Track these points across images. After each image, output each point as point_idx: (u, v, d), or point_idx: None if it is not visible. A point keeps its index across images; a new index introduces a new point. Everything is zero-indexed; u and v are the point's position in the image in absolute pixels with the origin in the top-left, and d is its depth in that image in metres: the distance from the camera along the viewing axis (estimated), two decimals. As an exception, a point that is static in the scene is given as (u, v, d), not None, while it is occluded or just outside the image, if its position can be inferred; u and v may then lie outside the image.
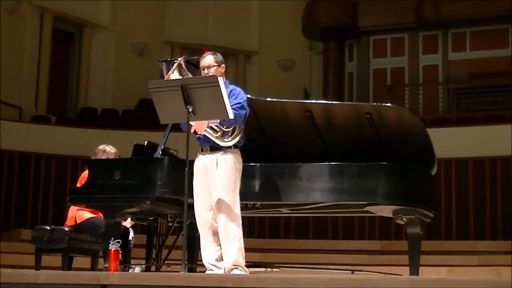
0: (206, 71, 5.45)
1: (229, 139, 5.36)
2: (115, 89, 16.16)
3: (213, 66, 5.46)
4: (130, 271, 6.10)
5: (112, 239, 5.55)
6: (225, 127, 5.34)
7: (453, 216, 12.77)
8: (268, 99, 6.18)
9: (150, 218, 6.52)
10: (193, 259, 6.36)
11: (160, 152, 5.96)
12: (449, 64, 16.53)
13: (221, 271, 5.35)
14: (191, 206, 5.42)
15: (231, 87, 5.49)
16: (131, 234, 6.73)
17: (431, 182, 6.07)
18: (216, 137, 5.35)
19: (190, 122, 5.25)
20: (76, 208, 6.56)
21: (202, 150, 5.47)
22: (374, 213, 6.30)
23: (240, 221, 5.39)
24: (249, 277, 4.72)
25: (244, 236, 5.42)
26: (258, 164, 5.87)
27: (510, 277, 4.18)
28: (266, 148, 6.24)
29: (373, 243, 12.14)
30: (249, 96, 5.70)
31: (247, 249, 5.44)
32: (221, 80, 5.15)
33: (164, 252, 6.61)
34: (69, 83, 16.05)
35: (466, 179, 12.88)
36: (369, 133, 6.00)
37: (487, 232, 12.55)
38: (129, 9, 16.38)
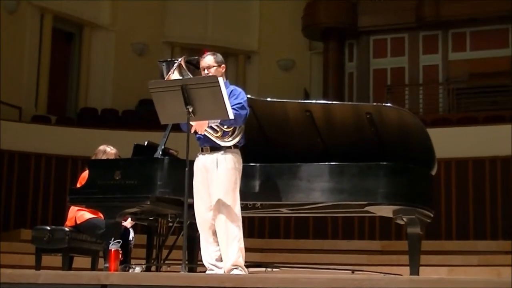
0: (206, 71, 5.46)
1: (230, 139, 5.36)
2: (115, 89, 16.16)
3: (213, 66, 5.46)
4: (130, 271, 6.10)
5: (112, 239, 5.55)
6: (225, 127, 5.34)
7: (453, 216, 12.77)
8: (268, 99, 6.18)
9: (150, 218, 6.52)
10: (193, 259, 6.36)
11: (160, 152, 5.96)
12: (449, 64, 16.53)
13: (221, 271, 5.35)
14: (191, 206, 5.42)
15: (232, 87, 5.49)
16: (131, 234, 6.73)
17: (431, 182, 6.07)
18: (217, 137, 5.35)
19: (190, 122, 5.25)
20: (76, 208, 6.56)
21: (202, 150, 5.47)
22: (374, 213, 6.30)
23: (240, 222, 5.39)
24: (249, 277, 4.72)
25: (244, 236, 5.42)
26: (258, 164, 5.87)
27: (510, 277, 4.18)
28: (266, 148, 6.24)
29: (373, 243, 12.14)
30: (249, 96, 5.70)
31: (247, 249, 5.45)
32: (221, 80, 5.15)
33: (164, 252, 6.61)
34: (69, 83, 16.05)
35: (466, 179, 12.88)
36: (369, 133, 6.00)
37: (487, 232, 12.56)
38: (129, 9, 16.38)
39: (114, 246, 5.48)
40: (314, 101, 6.63)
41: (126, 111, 15.68)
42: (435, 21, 16.21)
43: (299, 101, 6.63)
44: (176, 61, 5.41)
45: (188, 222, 5.29)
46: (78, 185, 6.31)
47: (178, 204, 5.92)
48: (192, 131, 5.31)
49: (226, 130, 5.36)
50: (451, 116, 15.31)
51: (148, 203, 5.84)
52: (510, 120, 13.13)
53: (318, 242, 12.16)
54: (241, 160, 5.45)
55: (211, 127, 5.35)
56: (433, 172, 6.09)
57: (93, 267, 6.82)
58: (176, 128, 5.62)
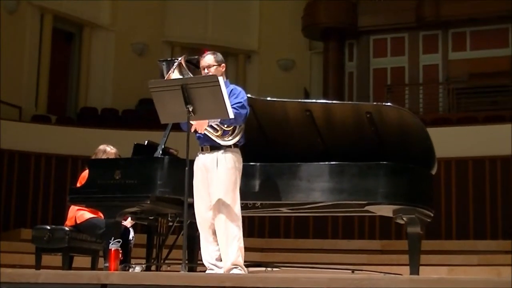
0: (206, 70, 5.46)
1: (230, 138, 5.36)
2: (115, 89, 16.16)
3: (213, 65, 5.46)
4: (130, 270, 6.10)
5: (112, 238, 5.56)
6: (225, 126, 5.34)
7: (453, 215, 12.77)
8: (268, 98, 6.18)
9: (150, 218, 6.52)
10: (193, 259, 6.36)
11: (160, 152, 5.96)
12: (449, 63, 16.54)
13: (221, 271, 5.35)
14: (191, 206, 5.42)
15: (232, 86, 5.49)
16: (131, 234, 6.74)
17: (431, 182, 6.07)
18: (217, 136, 5.35)
19: (191, 122, 5.25)
20: (76, 208, 6.56)
21: (202, 150, 5.47)
22: (374, 213, 6.30)
23: (240, 221, 5.39)
24: (249, 276, 4.72)
25: (244, 236, 5.42)
26: (258, 164, 5.87)
27: (510, 277, 4.18)
28: (266, 148, 6.24)
29: (373, 242, 12.14)
30: (249, 95, 5.70)
31: (247, 249, 5.45)
32: (221, 80, 5.15)
33: (164, 251, 6.61)
34: (69, 83, 16.05)
35: (466, 179, 12.88)
36: (369, 132, 6.00)
37: (487, 231, 12.56)
38: (129, 9, 16.38)
39: (114, 245, 5.48)
40: (314, 101, 6.62)
41: (126, 111, 15.68)
42: (435, 21, 16.21)
43: (299, 100, 6.62)
44: (176, 60, 5.41)
45: (188, 221, 5.29)
46: (78, 185, 6.31)
47: (178, 203, 5.92)
48: (192, 130, 5.31)
49: (226, 129, 5.36)
50: (451, 115, 15.31)
51: (148, 202, 5.84)
52: (510, 120, 13.12)
53: (318, 242, 12.16)
54: (241, 159, 5.45)
55: (211, 126, 5.35)
56: (433, 172, 6.09)
57: (93, 267, 6.82)
58: (176, 127, 5.62)
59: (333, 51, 16.91)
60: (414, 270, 5.78)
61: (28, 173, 13.08)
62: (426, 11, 16.19)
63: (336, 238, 12.58)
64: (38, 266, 6.50)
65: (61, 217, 7.96)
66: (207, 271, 5.42)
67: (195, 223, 5.53)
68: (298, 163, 5.84)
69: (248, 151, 5.63)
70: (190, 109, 5.14)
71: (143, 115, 14.47)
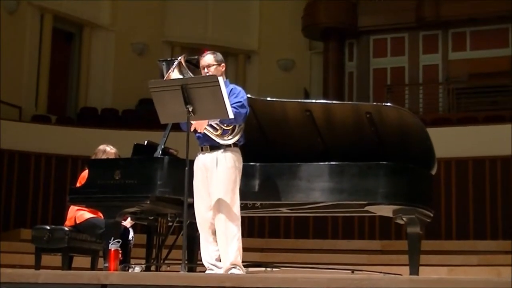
0: (206, 70, 5.46)
1: (229, 137, 5.36)
2: (115, 89, 16.16)
3: (213, 65, 5.46)
4: (130, 270, 6.10)
5: (112, 238, 5.55)
6: (225, 125, 5.34)
7: (453, 216, 12.77)
8: (268, 98, 6.18)
9: (150, 218, 6.52)
10: (193, 259, 6.36)
11: (160, 152, 5.96)
12: (449, 64, 16.54)
13: (221, 271, 5.34)
14: (191, 206, 5.42)
15: (231, 86, 5.49)
16: (131, 234, 6.73)
17: (431, 182, 6.07)
18: (216, 135, 5.35)
19: (190, 121, 5.25)
20: (76, 208, 6.56)
21: (202, 150, 5.47)
22: (374, 213, 6.30)
23: (239, 221, 5.39)
24: (249, 276, 4.72)
25: (244, 236, 5.42)
26: (258, 164, 5.87)
27: (510, 277, 4.18)
28: (266, 148, 6.23)
29: (373, 242, 12.14)
30: (249, 95, 5.69)
31: (247, 249, 5.45)
32: (221, 80, 5.15)
33: (164, 251, 6.61)
34: (69, 83, 16.05)
35: (466, 179, 12.88)
36: (369, 132, 6.00)
37: (487, 232, 12.56)
38: (129, 9, 16.38)
39: (113, 245, 5.48)
40: (314, 101, 6.62)
41: (126, 111, 15.69)
42: (435, 21, 16.21)
43: (299, 100, 6.63)
44: (176, 60, 5.41)
45: (188, 221, 5.29)
46: (78, 185, 6.31)
47: (178, 203, 5.92)
48: (192, 129, 5.31)
49: (226, 128, 5.36)
50: (451, 116, 15.31)
51: (148, 202, 5.84)
52: (510, 120, 13.12)
53: (318, 242, 12.15)
54: (241, 159, 5.45)
55: (211, 125, 5.35)
56: (433, 172, 6.09)
57: (93, 267, 6.82)
58: (176, 127, 5.62)
59: (333, 51, 16.91)
60: (414, 271, 5.78)
61: (28, 173, 13.08)
62: (426, 11, 16.19)
63: (336, 238, 12.58)
64: (38, 266, 6.49)
65: (61, 217, 7.95)
66: (207, 272, 5.42)
67: (195, 223, 5.53)
68: (298, 163, 5.84)
69: (248, 151, 5.63)
70: (190, 109, 5.14)
71: (143, 115, 14.47)
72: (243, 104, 5.37)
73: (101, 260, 6.32)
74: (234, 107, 5.25)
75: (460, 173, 12.89)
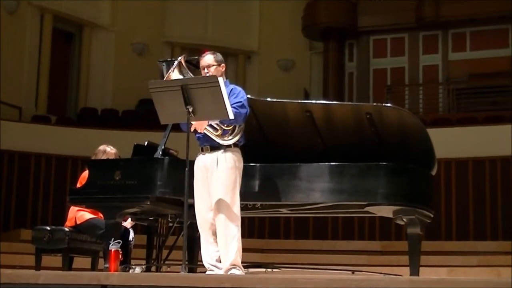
0: (206, 70, 5.46)
1: (230, 137, 5.37)
2: (115, 89, 16.16)
3: (213, 65, 5.46)
4: (130, 271, 6.10)
5: (112, 239, 5.55)
6: (225, 125, 5.34)
7: (453, 216, 12.76)
8: (268, 99, 6.18)
9: (150, 219, 6.52)
10: (193, 260, 6.36)
11: (160, 152, 5.96)
12: (449, 64, 16.54)
13: (221, 272, 5.35)
14: (191, 206, 5.42)
15: (231, 86, 5.50)
16: (131, 235, 6.73)
17: (431, 183, 6.07)
18: (216, 135, 5.36)
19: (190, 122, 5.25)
20: (76, 208, 6.55)
21: (202, 150, 5.48)
22: (374, 214, 6.30)
23: (239, 221, 5.39)
24: (248, 277, 4.72)
25: (244, 237, 5.42)
26: (258, 165, 5.86)
27: (510, 278, 4.18)
28: (266, 149, 6.23)
29: (373, 243, 12.13)
30: (249, 96, 5.70)
31: (247, 250, 5.45)
32: (221, 80, 5.15)
33: (164, 252, 6.61)
34: (69, 83, 16.05)
35: (466, 179, 12.88)
36: (369, 133, 6.00)
37: (487, 232, 12.55)
38: (129, 9, 16.38)
39: (114, 246, 5.47)
40: (314, 101, 6.63)
41: (126, 111, 15.68)
42: (435, 21, 16.21)
43: (299, 101, 6.62)
44: (176, 60, 5.41)
45: (188, 222, 5.29)
46: (78, 185, 6.30)
47: (178, 204, 5.91)
48: (192, 129, 5.31)
49: (226, 128, 5.36)
50: (451, 116, 15.31)
51: (148, 203, 5.84)
52: (510, 120, 13.12)
53: (318, 243, 12.15)
54: (241, 159, 5.45)
55: (211, 126, 5.35)
56: (433, 173, 6.09)
57: (93, 268, 6.82)
58: (176, 128, 5.62)
59: (333, 51, 16.91)
60: (414, 271, 5.78)
61: (28, 174, 13.07)
62: (426, 12, 16.19)
63: (336, 239, 12.58)
64: (38, 267, 6.49)
65: (61, 217, 7.95)
66: (207, 272, 5.42)
67: (195, 223, 5.54)
68: (298, 163, 5.84)
69: (248, 151, 5.63)
70: (190, 110, 5.14)
71: (143, 115, 14.47)
72: (243, 104, 5.37)
73: (101, 260, 6.31)
74: (234, 107, 5.25)
75: (460, 173, 12.89)
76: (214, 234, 5.40)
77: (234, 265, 5.30)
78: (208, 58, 5.50)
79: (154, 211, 6.23)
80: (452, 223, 12.72)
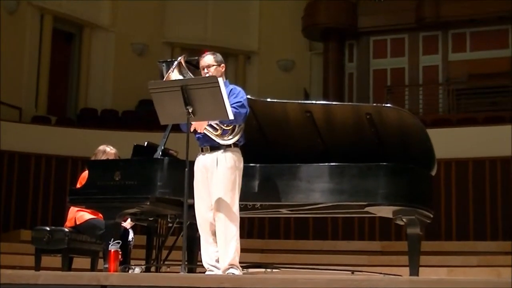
0: (205, 70, 5.46)
1: (230, 137, 5.37)
2: (115, 89, 16.16)
3: (213, 65, 5.46)
4: (130, 271, 6.10)
5: (112, 239, 5.55)
6: (225, 125, 5.35)
7: (453, 216, 12.76)
8: (268, 99, 6.18)
9: (150, 219, 6.52)
10: (193, 260, 6.36)
11: (160, 153, 5.96)
12: (449, 64, 16.54)
13: (220, 272, 5.35)
14: (191, 207, 5.42)
15: (231, 86, 5.50)
16: (131, 235, 6.73)
17: (431, 183, 6.07)
18: (216, 135, 5.36)
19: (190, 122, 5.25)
20: (76, 209, 6.55)
21: (202, 150, 5.48)
22: (374, 214, 6.30)
23: (238, 221, 5.39)
24: (248, 277, 4.72)
25: (243, 237, 5.42)
26: (258, 165, 5.86)
27: (510, 278, 4.18)
28: (266, 149, 6.24)
29: (373, 243, 12.13)
30: (249, 96, 5.70)
31: (247, 250, 5.46)
32: (221, 81, 5.15)
33: (164, 252, 6.61)
34: (69, 84, 16.05)
35: (466, 179, 12.88)
36: (369, 133, 6.00)
37: (487, 232, 12.55)
38: (129, 9, 16.38)
39: (113, 246, 5.47)
40: (314, 102, 6.63)
41: (126, 112, 15.69)
42: (435, 21, 16.22)
43: (299, 101, 6.62)
44: (176, 61, 5.41)
45: (188, 222, 5.29)
46: (78, 186, 6.31)
47: (178, 204, 5.92)
48: (192, 129, 5.31)
49: (226, 128, 5.36)
50: (451, 116, 15.31)
51: (148, 203, 5.84)
52: (510, 120, 13.13)
53: (318, 243, 12.16)
54: (241, 159, 5.45)
55: (211, 125, 5.35)
56: (433, 173, 6.09)
57: (93, 268, 6.82)
58: (176, 128, 5.62)
59: (333, 51, 16.92)
60: (414, 271, 5.78)
61: (28, 174, 13.07)
62: (426, 12, 16.20)
63: (336, 239, 12.58)
64: (37, 267, 6.49)
65: (61, 218, 7.96)
66: (207, 273, 5.42)
67: (195, 224, 5.53)
68: (298, 164, 5.84)
69: (248, 151, 5.63)
70: (190, 110, 5.14)
71: (143, 116, 14.47)
72: (243, 104, 5.37)
73: (101, 261, 6.31)
74: (234, 107, 5.25)
75: (460, 174, 12.89)
76: (214, 234, 5.40)
77: (232, 265, 5.30)
78: (208, 59, 5.50)
79: (154, 211, 6.23)
80: (452, 223, 12.72)
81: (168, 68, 5.63)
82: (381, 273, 6.87)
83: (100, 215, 6.20)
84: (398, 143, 6.02)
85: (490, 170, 12.77)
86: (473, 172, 12.86)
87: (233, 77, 16.06)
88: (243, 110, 5.35)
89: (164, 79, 5.36)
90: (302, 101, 7.22)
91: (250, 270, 6.50)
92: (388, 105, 6.19)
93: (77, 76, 15.98)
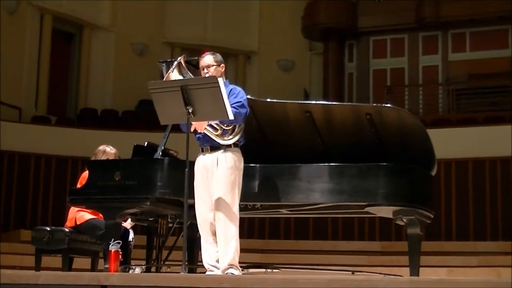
0: (205, 71, 5.47)
1: (230, 137, 5.37)
2: (115, 89, 16.16)
3: (213, 65, 5.46)
4: (130, 272, 6.10)
5: (112, 240, 5.55)
6: (225, 125, 5.35)
7: (453, 216, 12.76)
8: (268, 99, 6.18)
9: (150, 219, 6.52)
10: (193, 260, 6.36)
11: (160, 153, 5.96)
12: (449, 64, 16.54)
13: (220, 272, 5.35)
14: (191, 207, 5.42)
15: (231, 86, 5.50)
16: (131, 235, 6.73)
17: (431, 183, 6.07)
18: (216, 135, 5.36)
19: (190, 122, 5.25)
20: (76, 209, 6.55)
21: (202, 150, 5.48)
22: (374, 214, 6.30)
23: (238, 221, 5.39)
24: (248, 278, 4.72)
25: (244, 237, 5.43)
26: (258, 165, 5.86)
27: (510, 278, 4.18)
28: (266, 149, 6.24)
29: (373, 244, 12.13)
30: (249, 96, 5.70)
31: (247, 250, 5.46)
32: (221, 81, 5.15)
33: (164, 253, 6.61)
34: (69, 84, 16.05)
35: (466, 179, 12.88)
36: (369, 133, 6.00)
37: (487, 232, 12.55)
38: (129, 9, 16.38)
39: (114, 247, 5.47)
40: (314, 102, 6.63)
41: (126, 112, 15.68)
42: (435, 21, 16.22)
43: (299, 101, 6.62)
44: (175, 61, 5.41)
45: (188, 222, 5.29)
46: (78, 186, 6.31)
47: (178, 204, 5.91)
48: (192, 129, 5.31)
49: (226, 128, 5.36)
50: (451, 116, 15.31)
51: (148, 203, 5.84)
52: (510, 120, 13.13)
53: (318, 243, 12.15)
54: (242, 159, 5.45)
55: (211, 125, 5.35)
56: (433, 173, 6.09)
57: (93, 268, 6.82)
58: (176, 128, 5.62)
59: (333, 51, 16.92)
60: (414, 272, 5.78)
61: (28, 174, 13.07)
62: (426, 12, 16.20)
63: (336, 239, 12.58)
64: (38, 267, 6.49)
65: (61, 218, 7.95)
66: (207, 273, 5.42)
67: (195, 224, 5.54)
68: (298, 164, 5.84)
69: (248, 151, 5.63)
70: (190, 110, 5.14)
71: (143, 116, 14.46)
72: (243, 104, 5.37)
73: (101, 261, 6.31)
74: (234, 107, 5.25)
75: (460, 174, 12.89)
76: (214, 234, 5.40)
77: (231, 265, 5.30)
78: (207, 59, 5.50)
79: (154, 211, 6.23)
80: (452, 224, 12.72)
81: (168, 68, 5.63)
82: (381, 273, 6.87)
83: (100, 215, 6.21)
84: (398, 143, 6.02)
85: (490, 170, 12.76)
86: (473, 172, 12.86)
87: (233, 77, 16.05)
88: (243, 110, 5.35)
89: (164, 79, 5.36)
90: (302, 101, 7.22)
91: (250, 270, 6.50)
92: (388, 105, 6.19)
93: (77, 76, 15.98)
